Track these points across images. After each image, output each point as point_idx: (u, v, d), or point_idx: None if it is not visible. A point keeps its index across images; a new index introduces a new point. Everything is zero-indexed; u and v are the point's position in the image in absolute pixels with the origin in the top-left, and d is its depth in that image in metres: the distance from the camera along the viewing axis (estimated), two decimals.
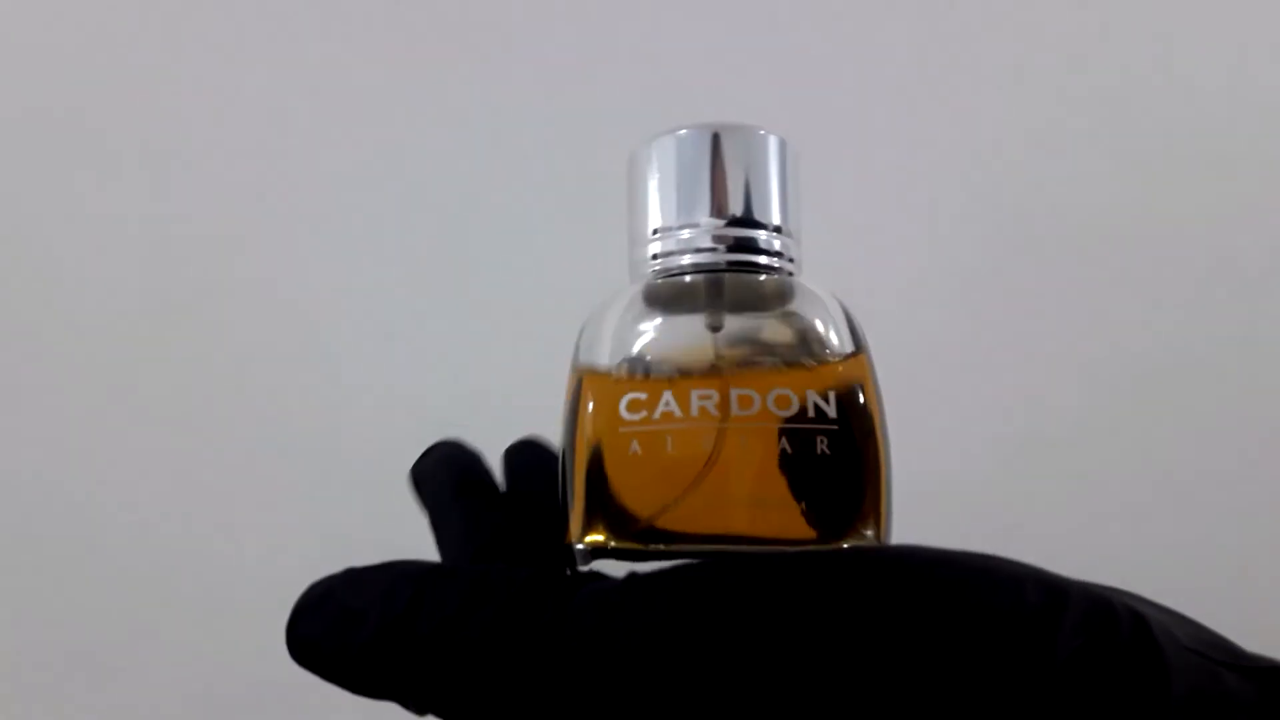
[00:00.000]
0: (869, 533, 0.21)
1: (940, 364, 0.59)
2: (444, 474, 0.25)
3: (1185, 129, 0.60)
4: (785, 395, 0.21)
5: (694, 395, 0.21)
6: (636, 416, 0.21)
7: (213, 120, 0.59)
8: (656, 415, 0.21)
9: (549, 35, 0.60)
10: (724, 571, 0.18)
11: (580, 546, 0.21)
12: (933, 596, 0.17)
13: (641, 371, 0.22)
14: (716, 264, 0.23)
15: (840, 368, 0.22)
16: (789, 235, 0.24)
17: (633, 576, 0.19)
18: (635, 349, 0.22)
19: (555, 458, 0.24)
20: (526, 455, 0.27)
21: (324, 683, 0.20)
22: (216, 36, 0.60)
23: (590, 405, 0.22)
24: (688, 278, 0.23)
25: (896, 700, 0.17)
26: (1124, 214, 0.59)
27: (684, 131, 0.24)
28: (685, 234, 0.23)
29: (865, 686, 0.17)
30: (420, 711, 0.19)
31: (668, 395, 0.21)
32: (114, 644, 0.57)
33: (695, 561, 0.19)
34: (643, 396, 0.21)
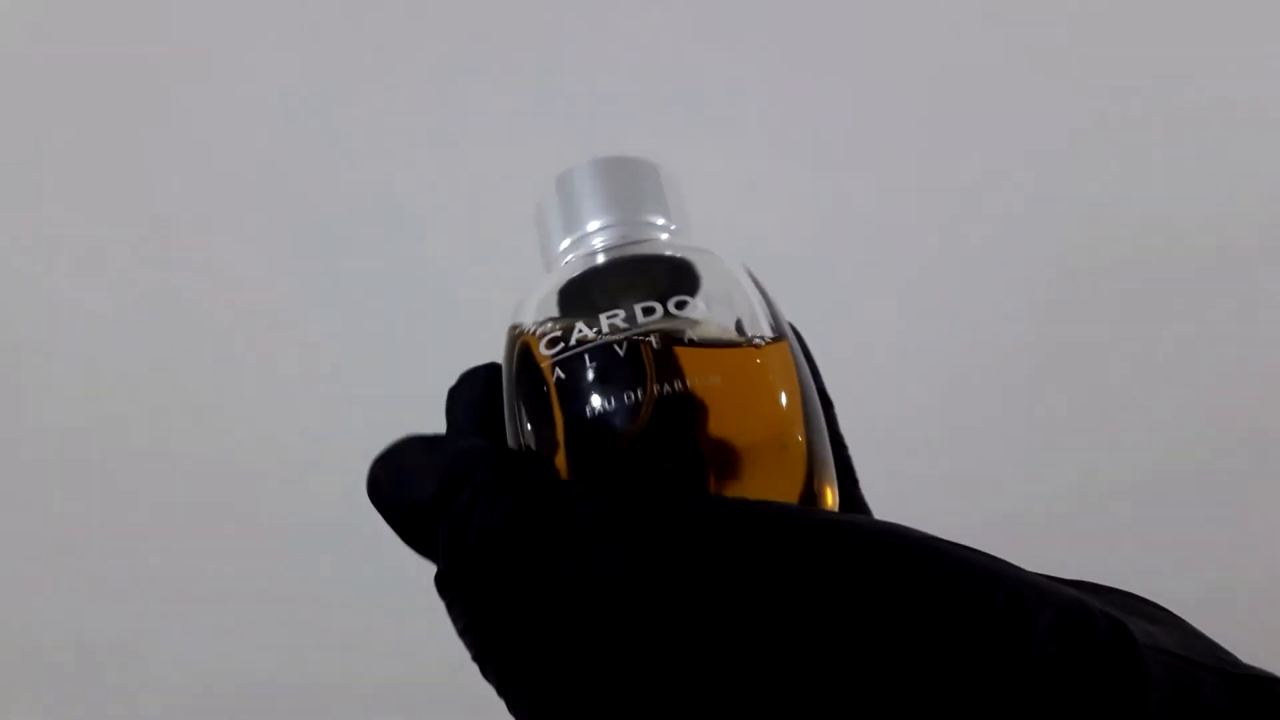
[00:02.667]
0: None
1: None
2: (471, 396, 0.25)
3: (1190, 137, 0.61)
4: (685, 300, 0.23)
5: (602, 318, 0.23)
6: (554, 350, 0.23)
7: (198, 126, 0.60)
8: (572, 342, 0.23)
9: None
10: (708, 521, 0.19)
11: None
12: (906, 585, 0.17)
13: (556, 317, 0.24)
14: (620, 243, 0.26)
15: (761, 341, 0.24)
16: (682, 230, 0.27)
17: (625, 509, 0.19)
18: (551, 306, 0.24)
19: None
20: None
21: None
22: (197, 60, 0.61)
23: (516, 359, 0.24)
24: (599, 261, 0.26)
25: (863, 687, 0.17)
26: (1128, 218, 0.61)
27: (573, 168, 0.28)
28: (590, 235, 0.26)
29: (836, 670, 0.17)
30: (442, 576, 0.21)
31: (580, 324, 0.23)
32: (114, 645, 0.54)
33: (685, 501, 0.20)
34: (558, 333, 0.23)
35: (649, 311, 0.23)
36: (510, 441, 0.23)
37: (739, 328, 0.24)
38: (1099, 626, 0.17)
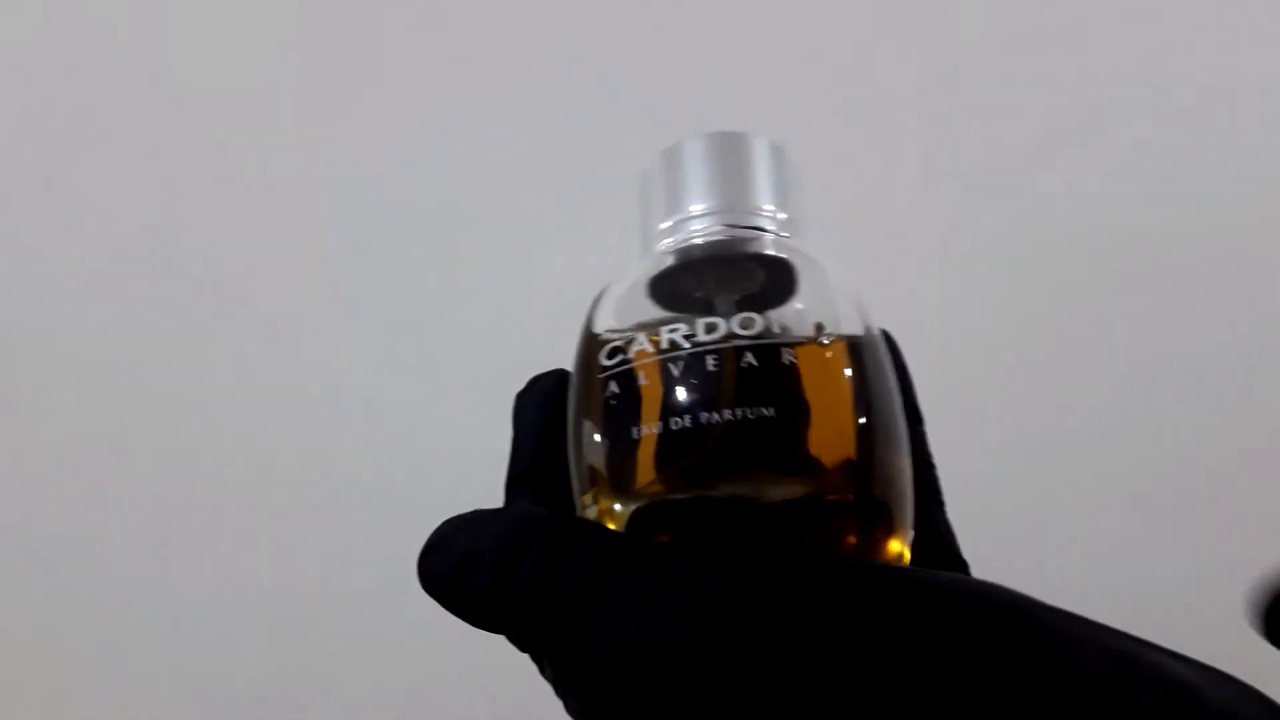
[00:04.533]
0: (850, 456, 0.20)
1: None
2: (535, 408, 0.25)
3: (1193, 136, 0.59)
4: (750, 318, 0.21)
5: (663, 332, 0.21)
6: (613, 362, 0.21)
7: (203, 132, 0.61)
8: (631, 355, 0.21)
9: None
10: (784, 581, 0.18)
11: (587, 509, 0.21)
12: (997, 651, 0.16)
13: (628, 322, 0.22)
14: (721, 235, 0.24)
15: (839, 341, 0.21)
16: (791, 221, 0.25)
17: (687, 566, 0.18)
18: (627, 304, 0.23)
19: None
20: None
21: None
22: (205, 61, 0.61)
23: (579, 364, 0.23)
24: (697, 248, 0.24)
25: None
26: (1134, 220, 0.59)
27: (685, 140, 0.26)
28: (691, 220, 0.25)
29: None
30: (521, 648, 0.21)
31: (640, 337, 0.21)
32: (113, 645, 0.56)
33: (759, 558, 0.18)
34: (620, 344, 0.22)
35: (711, 329, 0.21)
36: (570, 450, 0.23)
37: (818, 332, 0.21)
38: (1207, 714, 0.15)
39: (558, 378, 0.25)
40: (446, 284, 0.61)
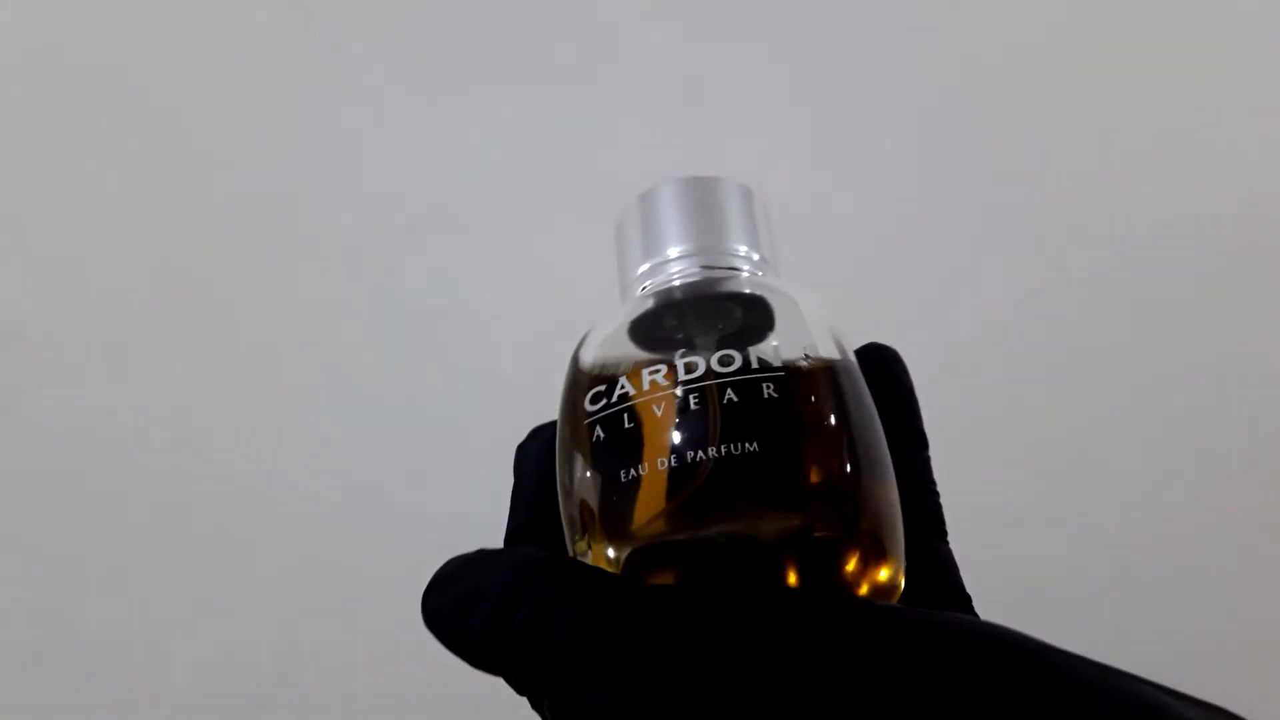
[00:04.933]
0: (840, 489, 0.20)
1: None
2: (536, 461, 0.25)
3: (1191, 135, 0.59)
4: (729, 355, 0.21)
5: (644, 373, 0.21)
6: (597, 406, 0.22)
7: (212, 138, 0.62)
8: (614, 399, 0.21)
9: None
10: (790, 625, 0.18)
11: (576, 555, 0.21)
12: (1002, 688, 0.16)
13: (608, 369, 0.23)
14: (698, 276, 0.24)
15: (815, 363, 0.22)
16: (765, 260, 0.25)
17: (690, 610, 0.18)
18: (611, 346, 0.23)
19: None
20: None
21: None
22: (217, 49, 0.62)
23: (564, 408, 0.23)
24: (675, 290, 0.24)
25: None
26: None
27: (659, 185, 0.26)
28: (669, 263, 0.25)
29: None
30: (520, 691, 0.20)
31: (623, 380, 0.22)
32: (112, 645, 0.56)
33: (763, 601, 0.18)
34: (603, 388, 0.22)
35: (691, 368, 0.21)
36: (560, 500, 0.23)
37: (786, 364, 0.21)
38: None
39: (556, 430, 0.25)
40: (447, 287, 0.61)
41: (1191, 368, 0.60)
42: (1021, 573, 0.56)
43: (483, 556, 0.22)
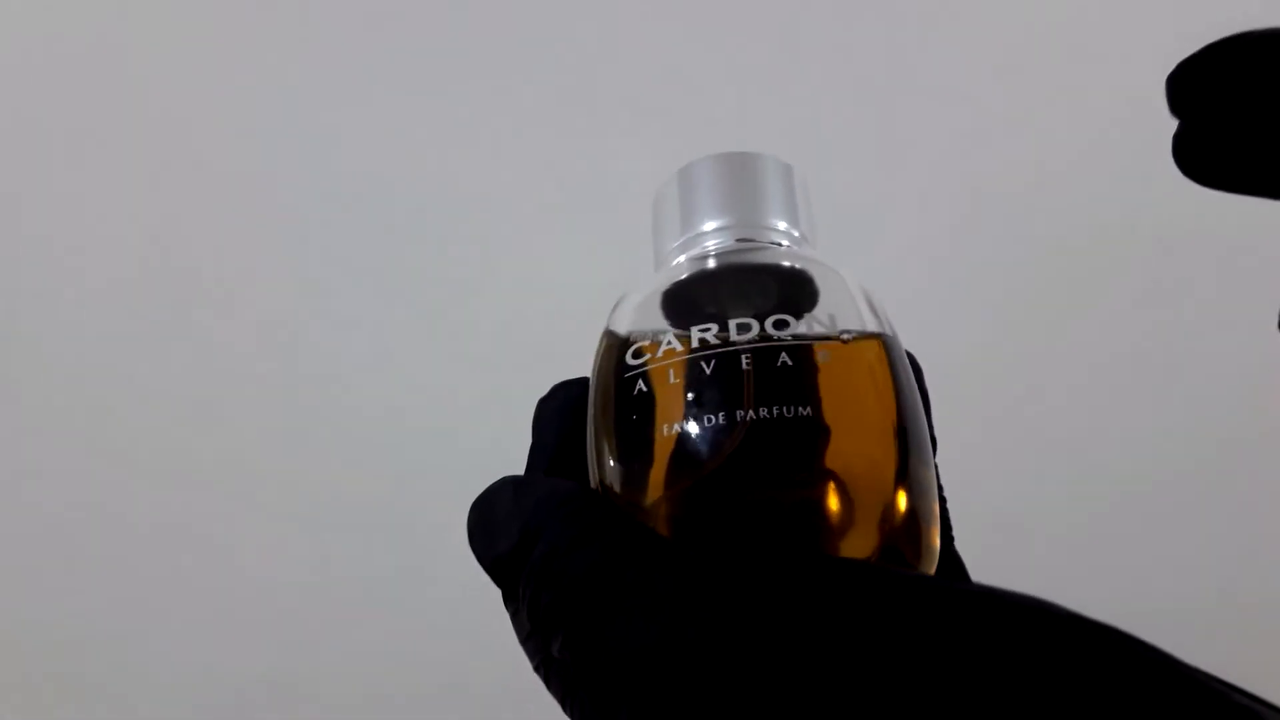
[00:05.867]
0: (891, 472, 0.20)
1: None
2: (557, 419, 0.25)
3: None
4: (784, 319, 0.21)
5: (694, 330, 0.21)
6: (639, 360, 0.21)
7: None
8: (660, 354, 0.21)
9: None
10: (800, 582, 0.17)
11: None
12: (1023, 647, 0.15)
13: (649, 327, 0.22)
14: (730, 249, 0.24)
15: (860, 340, 0.22)
16: (803, 237, 0.25)
17: (705, 566, 0.18)
18: (649, 310, 0.23)
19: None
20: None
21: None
22: (213, 51, 0.61)
23: (601, 365, 0.22)
24: (710, 264, 0.24)
25: None
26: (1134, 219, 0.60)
27: (699, 159, 0.26)
28: (705, 236, 0.25)
29: None
30: (532, 627, 0.20)
31: (669, 336, 0.21)
32: (112, 645, 0.55)
33: (787, 561, 0.18)
34: (646, 344, 0.21)
35: (744, 329, 0.21)
36: (589, 455, 0.22)
37: (832, 335, 0.21)
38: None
39: (581, 386, 0.24)
40: (450, 281, 0.61)
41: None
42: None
43: (521, 482, 0.22)
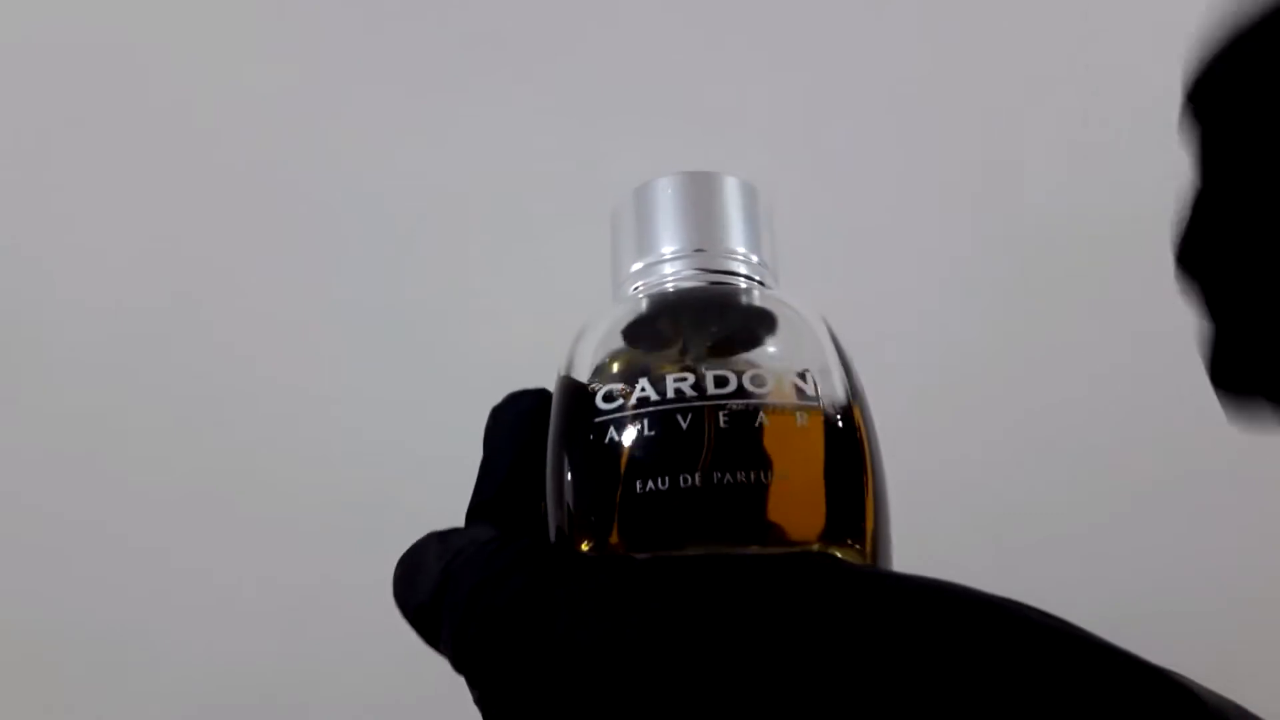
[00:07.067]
0: (862, 525, 0.20)
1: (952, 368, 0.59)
2: (510, 427, 0.24)
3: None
4: (761, 375, 0.21)
5: (669, 379, 0.21)
6: (612, 405, 0.21)
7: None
8: (632, 402, 0.21)
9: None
10: (734, 579, 0.17)
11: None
12: (973, 643, 0.15)
13: (619, 369, 0.22)
14: (694, 281, 0.24)
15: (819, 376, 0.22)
16: (762, 263, 0.25)
17: (639, 571, 0.18)
18: (613, 355, 0.22)
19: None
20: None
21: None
22: (202, 60, 0.62)
23: (569, 403, 0.22)
24: (670, 293, 0.23)
25: None
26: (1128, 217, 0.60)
27: (658, 179, 0.25)
28: (664, 263, 0.24)
29: None
30: (457, 667, 0.19)
31: (643, 382, 0.21)
32: (111, 644, 0.55)
33: (710, 560, 0.18)
34: (618, 387, 0.21)
35: (722, 382, 0.20)
36: (549, 493, 0.22)
37: (801, 389, 0.21)
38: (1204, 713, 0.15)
39: (537, 399, 0.23)
40: (447, 285, 0.61)
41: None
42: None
43: (445, 533, 0.22)
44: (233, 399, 0.59)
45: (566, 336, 0.24)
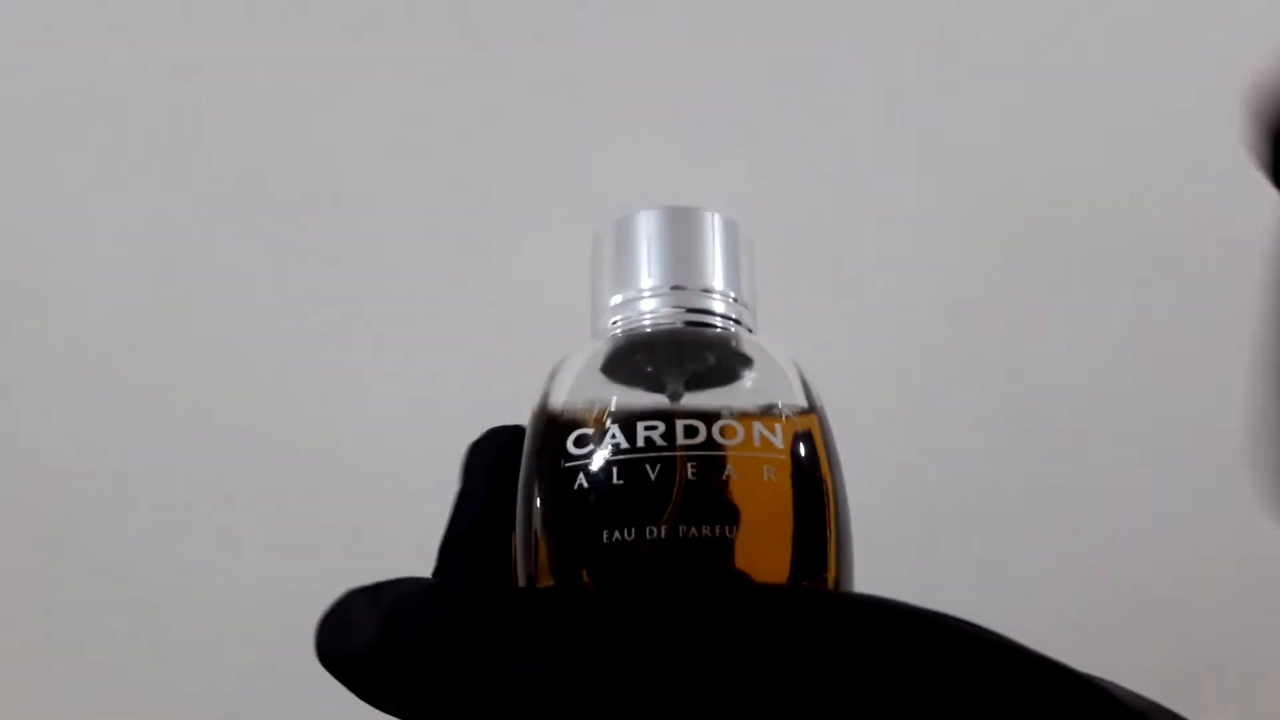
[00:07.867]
0: (824, 575, 0.21)
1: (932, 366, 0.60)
2: (487, 462, 0.24)
3: (1174, 125, 0.61)
4: (731, 425, 0.21)
5: (639, 427, 0.21)
6: (582, 451, 0.21)
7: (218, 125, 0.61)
8: (603, 448, 0.21)
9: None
10: (688, 611, 0.17)
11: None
12: (907, 657, 0.16)
13: (592, 411, 0.22)
14: (671, 320, 0.24)
15: (792, 419, 0.22)
16: (740, 302, 0.25)
17: (584, 601, 0.18)
18: (590, 395, 0.22)
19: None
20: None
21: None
22: (221, 41, 0.62)
23: (541, 444, 0.22)
24: (647, 331, 0.24)
25: None
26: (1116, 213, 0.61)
27: (640, 212, 0.25)
28: (643, 299, 0.24)
29: None
30: (405, 713, 0.19)
31: (614, 429, 0.21)
32: (113, 645, 0.55)
33: (650, 599, 0.18)
34: (589, 432, 0.21)
35: (691, 432, 0.21)
36: (519, 535, 0.22)
37: (769, 440, 0.21)
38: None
39: (514, 435, 0.24)
40: (447, 282, 0.61)
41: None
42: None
43: (374, 587, 0.21)
44: (238, 395, 0.59)
45: (542, 360, 0.24)
